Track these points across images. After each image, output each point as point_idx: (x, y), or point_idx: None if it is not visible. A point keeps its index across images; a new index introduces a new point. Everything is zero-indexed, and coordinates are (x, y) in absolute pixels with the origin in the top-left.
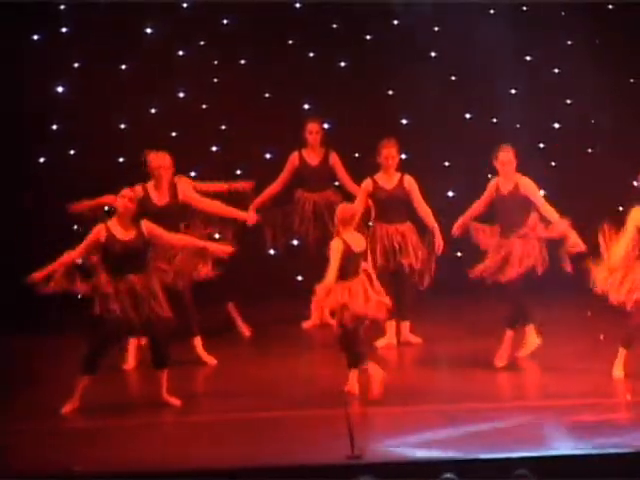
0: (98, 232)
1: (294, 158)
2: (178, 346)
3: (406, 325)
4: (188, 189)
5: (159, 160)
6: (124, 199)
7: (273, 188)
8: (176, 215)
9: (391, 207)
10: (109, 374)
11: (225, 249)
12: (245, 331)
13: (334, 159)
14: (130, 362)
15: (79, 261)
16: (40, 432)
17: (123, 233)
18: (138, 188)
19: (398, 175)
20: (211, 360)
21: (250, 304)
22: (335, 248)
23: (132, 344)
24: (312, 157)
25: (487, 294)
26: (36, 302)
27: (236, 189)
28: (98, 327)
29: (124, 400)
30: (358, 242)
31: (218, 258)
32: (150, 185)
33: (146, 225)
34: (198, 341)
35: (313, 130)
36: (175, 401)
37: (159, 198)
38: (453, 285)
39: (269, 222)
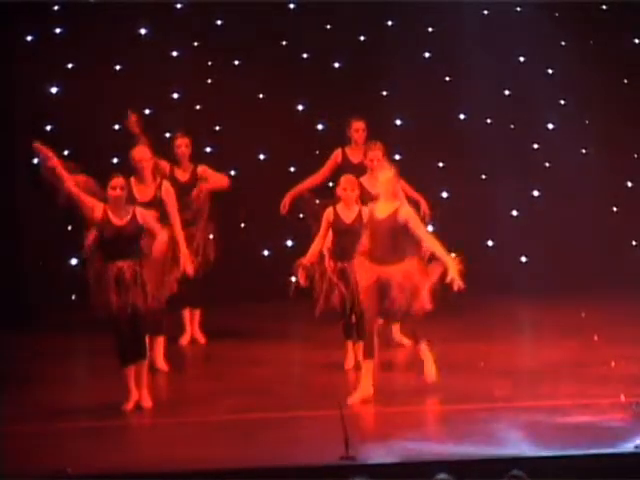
0: (95, 206)
1: (337, 155)
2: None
3: (396, 326)
4: (170, 191)
5: (140, 154)
6: (116, 189)
7: (311, 181)
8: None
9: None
10: (101, 374)
11: (188, 266)
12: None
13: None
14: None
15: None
16: (33, 433)
17: (117, 219)
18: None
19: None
20: (163, 366)
21: (244, 304)
22: (325, 217)
23: None
24: (355, 155)
25: (483, 294)
26: (34, 300)
27: None
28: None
29: (115, 401)
30: (350, 215)
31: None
32: (133, 180)
33: (140, 212)
34: (160, 341)
35: (359, 128)
36: (147, 403)
37: (141, 194)
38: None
39: (308, 212)
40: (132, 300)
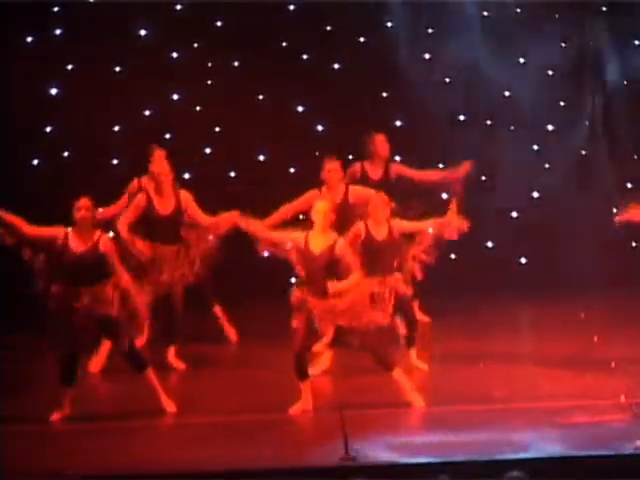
0: (56, 232)
1: (355, 170)
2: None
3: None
4: (190, 199)
5: (159, 167)
6: (81, 211)
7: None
8: (178, 223)
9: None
10: (102, 375)
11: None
12: (232, 335)
13: (395, 169)
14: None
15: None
16: (33, 434)
17: (78, 244)
18: (142, 197)
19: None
20: (181, 365)
21: (243, 305)
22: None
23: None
24: (374, 171)
25: (483, 295)
26: (30, 303)
27: None
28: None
29: (116, 403)
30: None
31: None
32: (153, 192)
33: (103, 240)
34: (172, 350)
35: (383, 140)
36: (171, 406)
37: (163, 207)
38: (445, 286)
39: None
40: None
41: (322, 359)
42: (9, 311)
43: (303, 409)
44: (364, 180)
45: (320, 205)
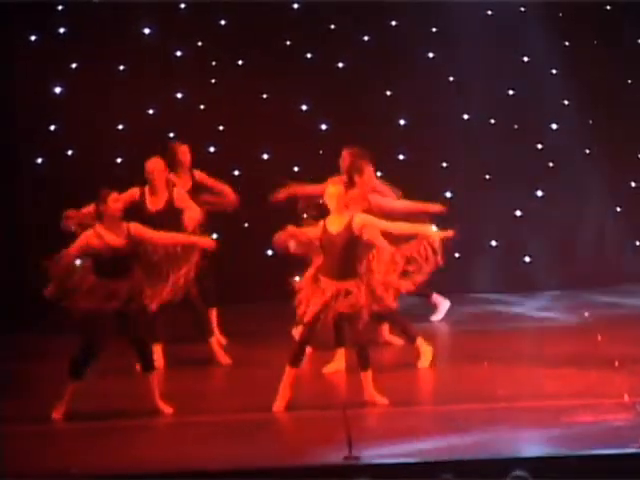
0: (87, 237)
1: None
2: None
3: (385, 327)
4: (184, 197)
5: (153, 164)
6: (111, 204)
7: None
8: (169, 220)
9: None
10: (102, 375)
11: (209, 242)
12: (220, 340)
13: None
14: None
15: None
16: (37, 433)
17: (112, 238)
18: (135, 190)
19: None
20: (226, 360)
21: (247, 304)
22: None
23: None
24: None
25: (487, 293)
26: (34, 302)
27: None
28: (83, 331)
29: (118, 401)
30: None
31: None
32: (147, 190)
33: (134, 227)
34: (215, 340)
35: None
36: (167, 408)
37: (154, 204)
38: (449, 285)
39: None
40: (129, 312)
41: (337, 359)
42: (9, 311)
43: (279, 407)
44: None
45: (332, 189)
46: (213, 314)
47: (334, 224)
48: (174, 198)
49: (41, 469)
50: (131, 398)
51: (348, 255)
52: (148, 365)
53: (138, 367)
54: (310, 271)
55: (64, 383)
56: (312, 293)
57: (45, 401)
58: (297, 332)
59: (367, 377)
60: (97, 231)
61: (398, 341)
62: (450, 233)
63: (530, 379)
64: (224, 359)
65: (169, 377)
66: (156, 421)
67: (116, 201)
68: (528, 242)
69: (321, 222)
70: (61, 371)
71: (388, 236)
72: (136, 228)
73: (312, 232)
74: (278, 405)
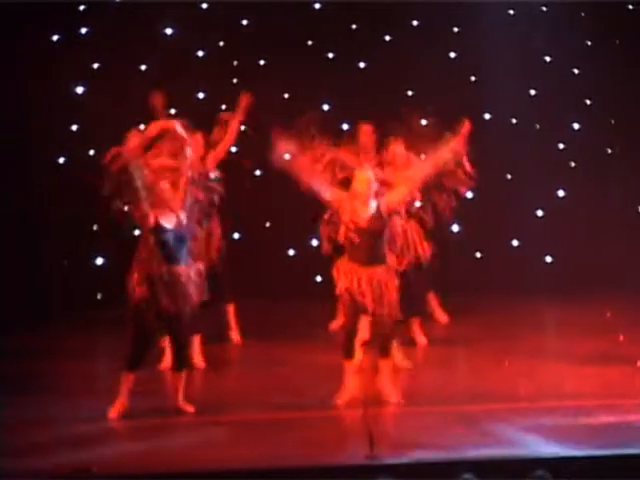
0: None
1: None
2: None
3: (416, 322)
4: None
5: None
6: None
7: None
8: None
9: None
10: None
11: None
12: (235, 336)
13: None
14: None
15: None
16: (60, 432)
17: (167, 222)
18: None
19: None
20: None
21: (271, 304)
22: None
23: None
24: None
25: (508, 294)
26: (58, 302)
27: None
28: (136, 321)
29: (145, 400)
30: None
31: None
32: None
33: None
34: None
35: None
36: (189, 408)
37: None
38: (470, 285)
39: None
40: (182, 304)
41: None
42: (44, 310)
43: (349, 397)
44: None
45: (363, 174)
46: (230, 311)
47: (362, 209)
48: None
49: (60, 469)
50: (153, 397)
51: (377, 241)
52: (183, 363)
53: (164, 365)
54: (342, 260)
55: (119, 380)
56: (347, 280)
57: (65, 401)
58: (336, 324)
59: (385, 366)
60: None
61: (422, 339)
62: (467, 126)
63: (551, 378)
64: (199, 362)
65: (196, 377)
66: (178, 420)
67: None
68: (549, 242)
69: (348, 203)
70: (80, 370)
71: None
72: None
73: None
74: (341, 398)
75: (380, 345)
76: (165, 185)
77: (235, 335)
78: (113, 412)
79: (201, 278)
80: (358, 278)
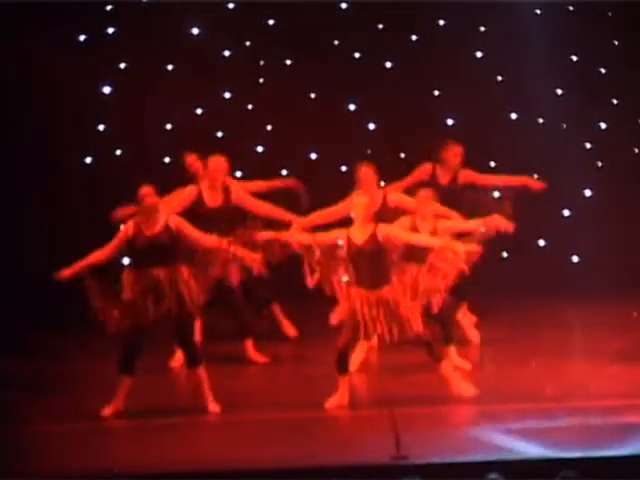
0: (127, 229)
1: (425, 170)
2: (229, 345)
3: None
4: (240, 191)
5: (216, 164)
6: (145, 198)
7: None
8: (228, 217)
9: None
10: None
11: (253, 257)
12: (290, 331)
13: (465, 176)
14: (178, 359)
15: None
16: (80, 432)
17: (150, 228)
18: (192, 189)
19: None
20: (261, 359)
21: (297, 305)
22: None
23: None
24: (442, 176)
25: (535, 293)
26: (77, 301)
27: (281, 188)
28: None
29: (166, 399)
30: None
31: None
32: (204, 186)
33: (174, 221)
34: (249, 343)
35: (458, 152)
36: (215, 407)
37: (212, 200)
38: (496, 284)
39: None
40: (168, 308)
41: (356, 354)
42: (60, 310)
43: (339, 404)
44: (432, 183)
45: (359, 200)
46: (276, 310)
47: (358, 234)
48: (231, 194)
49: (82, 469)
50: (174, 395)
51: (377, 263)
52: (194, 360)
53: (174, 364)
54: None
55: (115, 381)
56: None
57: (85, 400)
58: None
59: (443, 369)
60: (137, 222)
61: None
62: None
63: (578, 379)
64: (259, 358)
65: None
66: (201, 419)
67: (149, 195)
68: (576, 242)
69: (344, 232)
70: (100, 370)
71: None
72: (176, 221)
73: (330, 236)
74: (330, 403)
75: (428, 354)
76: None
77: (291, 331)
78: (107, 411)
79: (201, 278)
80: (368, 303)
